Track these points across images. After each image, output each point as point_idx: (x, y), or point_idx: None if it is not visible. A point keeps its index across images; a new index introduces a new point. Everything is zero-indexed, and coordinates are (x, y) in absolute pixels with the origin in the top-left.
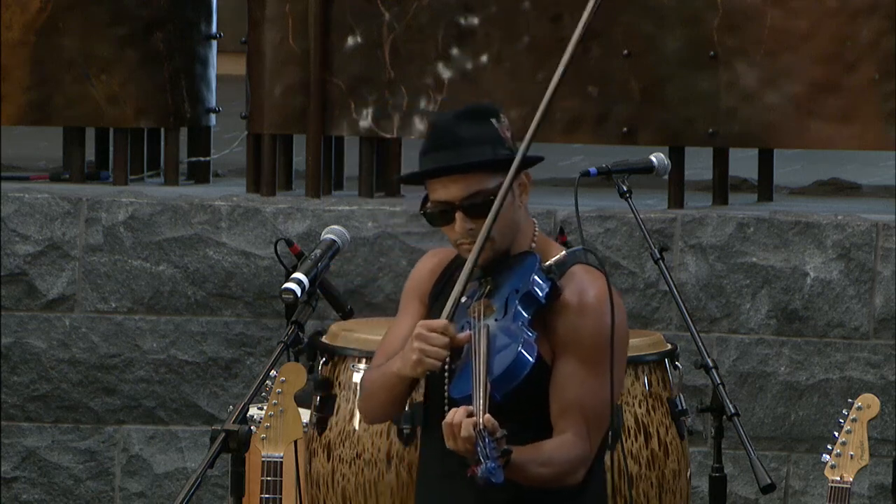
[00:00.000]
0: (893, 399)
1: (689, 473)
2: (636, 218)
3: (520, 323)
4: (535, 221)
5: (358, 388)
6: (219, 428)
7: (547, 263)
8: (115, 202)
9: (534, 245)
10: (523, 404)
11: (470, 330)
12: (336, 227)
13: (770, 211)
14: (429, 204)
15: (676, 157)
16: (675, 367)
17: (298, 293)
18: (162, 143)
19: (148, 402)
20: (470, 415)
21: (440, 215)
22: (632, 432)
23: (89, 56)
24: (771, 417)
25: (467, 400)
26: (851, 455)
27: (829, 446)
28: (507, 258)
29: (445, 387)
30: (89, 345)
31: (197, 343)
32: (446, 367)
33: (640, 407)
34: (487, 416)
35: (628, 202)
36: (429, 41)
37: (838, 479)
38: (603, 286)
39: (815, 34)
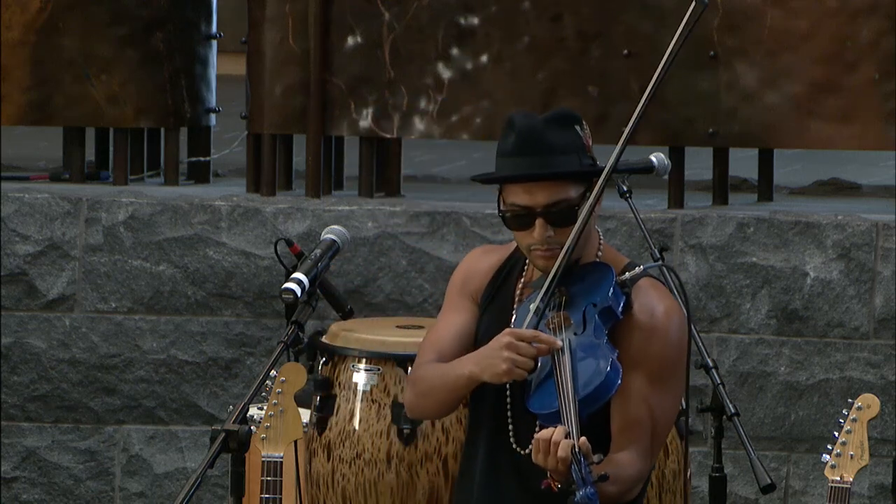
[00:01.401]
0: (893, 399)
1: (689, 473)
2: (636, 218)
3: (604, 340)
4: (600, 231)
5: (363, 388)
6: (219, 428)
7: (622, 278)
8: (115, 202)
9: (600, 254)
10: (595, 422)
11: None
12: (336, 227)
13: (770, 211)
14: (507, 206)
15: (676, 157)
16: None
17: (298, 293)
18: (162, 143)
19: (148, 402)
20: (567, 435)
21: (520, 219)
22: None
23: (89, 56)
24: (771, 417)
25: (551, 417)
26: (851, 455)
27: (829, 446)
28: (578, 268)
29: (507, 390)
30: (89, 345)
31: (197, 343)
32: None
33: None
34: (583, 439)
35: (628, 202)
36: (429, 41)
37: (838, 479)
38: (671, 302)
39: (815, 34)
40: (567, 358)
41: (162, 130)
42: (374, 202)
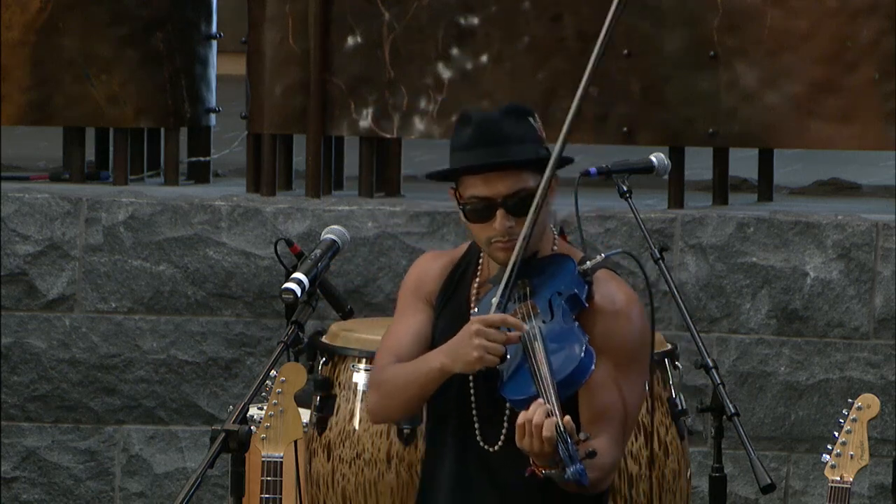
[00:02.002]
0: (893, 399)
1: (689, 473)
2: (636, 218)
3: (575, 325)
4: (553, 228)
5: (363, 388)
6: (219, 428)
7: (583, 267)
8: (115, 202)
9: (555, 248)
10: (566, 408)
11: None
12: (336, 227)
13: (770, 211)
14: (466, 199)
15: (676, 157)
16: (675, 367)
17: (298, 293)
18: (162, 143)
19: (148, 402)
20: (549, 414)
21: (480, 212)
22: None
23: (89, 56)
24: (771, 417)
25: (527, 402)
26: (851, 455)
27: (829, 446)
28: (537, 260)
29: (470, 387)
30: (89, 345)
31: (197, 343)
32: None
33: None
34: (567, 417)
35: (628, 202)
36: (429, 41)
37: (838, 479)
38: (631, 291)
39: (815, 34)
40: (539, 342)
41: (162, 130)
42: (374, 202)
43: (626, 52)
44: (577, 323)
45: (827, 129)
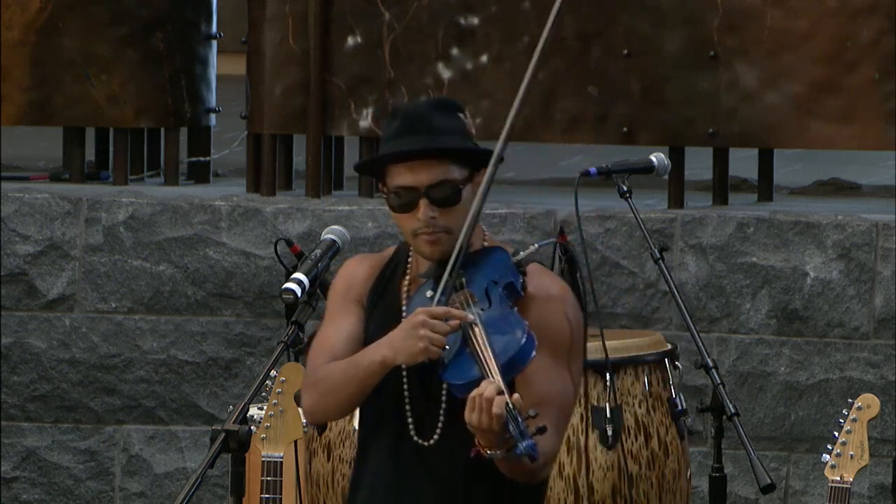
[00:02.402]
0: (893, 399)
1: (689, 473)
2: (636, 218)
3: (513, 311)
4: (482, 225)
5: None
6: (219, 428)
7: (517, 257)
8: (115, 202)
9: (486, 243)
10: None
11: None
12: (336, 227)
13: (770, 211)
14: (391, 189)
15: (676, 157)
16: (675, 367)
17: (298, 293)
18: (162, 143)
19: (148, 402)
20: (499, 392)
21: (403, 201)
22: (632, 432)
23: (89, 56)
24: (771, 417)
25: (469, 386)
26: (851, 455)
27: (829, 446)
28: (469, 254)
29: (404, 383)
30: (89, 345)
31: (197, 343)
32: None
33: (640, 407)
34: (516, 395)
35: (628, 202)
36: (429, 41)
37: (838, 479)
38: (562, 282)
39: (815, 34)
40: (480, 328)
41: (162, 130)
42: (374, 202)
43: (626, 52)
44: (515, 308)
45: (827, 129)
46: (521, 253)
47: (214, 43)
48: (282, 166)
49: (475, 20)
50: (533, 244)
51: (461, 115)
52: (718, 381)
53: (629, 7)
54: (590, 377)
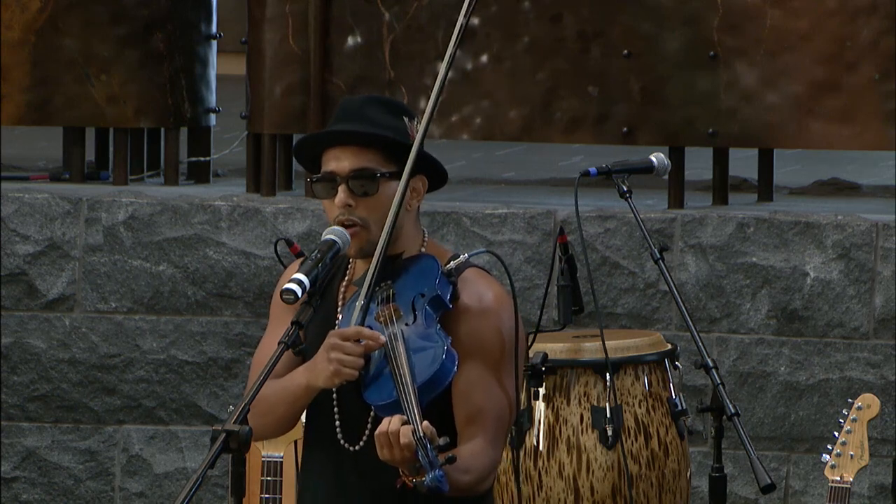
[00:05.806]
0: (893, 399)
1: (689, 473)
2: (636, 218)
3: (436, 328)
4: (426, 231)
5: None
6: (219, 428)
7: (448, 267)
8: (115, 202)
9: (423, 249)
10: (434, 411)
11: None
12: (336, 227)
13: (770, 211)
14: (319, 174)
15: (676, 157)
16: (675, 367)
17: (299, 294)
18: (162, 143)
19: (148, 402)
20: (405, 423)
21: (324, 186)
22: (632, 432)
23: (89, 56)
24: (771, 417)
25: (389, 407)
26: (851, 455)
27: (829, 446)
28: (401, 261)
29: (334, 398)
30: (89, 345)
31: (197, 343)
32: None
33: (640, 407)
34: (426, 423)
35: (628, 202)
36: (429, 41)
37: (838, 479)
38: (500, 288)
39: (815, 34)
40: (401, 346)
41: (162, 130)
42: None
43: (626, 52)
44: (439, 325)
45: (827, 129)
46: (452, 263)
47: (214, 43)
48: (282, 166)
49: (475, 20)
50: (464, 254)
51: (405, 119)
52: (718, 381)
53: (629, 7)
54: (590, 377)
